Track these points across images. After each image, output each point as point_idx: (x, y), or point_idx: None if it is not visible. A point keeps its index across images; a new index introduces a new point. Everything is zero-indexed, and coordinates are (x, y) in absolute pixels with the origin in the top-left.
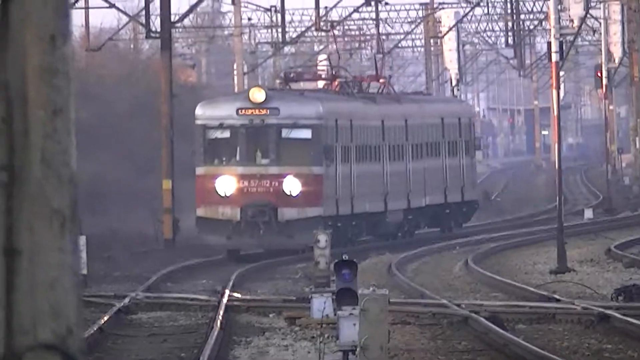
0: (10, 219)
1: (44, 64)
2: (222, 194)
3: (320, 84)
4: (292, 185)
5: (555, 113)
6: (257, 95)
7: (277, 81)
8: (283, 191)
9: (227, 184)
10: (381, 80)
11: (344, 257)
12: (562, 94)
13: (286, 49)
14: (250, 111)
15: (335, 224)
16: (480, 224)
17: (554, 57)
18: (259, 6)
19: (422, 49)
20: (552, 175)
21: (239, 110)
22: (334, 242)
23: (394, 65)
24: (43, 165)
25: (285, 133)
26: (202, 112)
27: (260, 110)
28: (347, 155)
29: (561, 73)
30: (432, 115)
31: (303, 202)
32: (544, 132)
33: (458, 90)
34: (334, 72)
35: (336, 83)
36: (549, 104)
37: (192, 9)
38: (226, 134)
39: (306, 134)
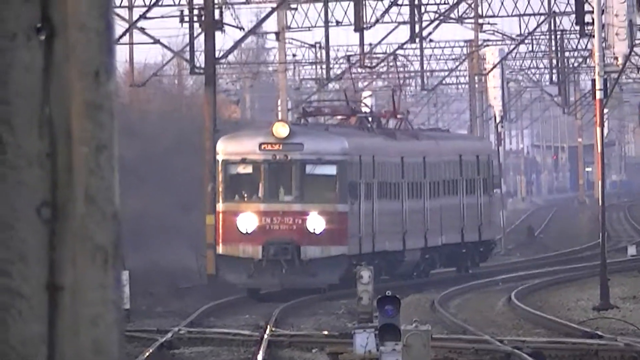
0: (53, 255)
1: (88, 100)
2: (244, 231)
3: (335, 118)
4: (316, 223)
5: (599, 150)
6: (281, 130)
7: (296, 115)
8: (307, 229)
9: (248, 220)
10: (399, 116)
11: (387, 293)
12: (605, 131)
13: (330, 85)
14: (273, 146)
15: (358, 262)
16: (524, 259)
17: (598, 94)
18: (304, 42)
19: (467, 86)
20: (596, 212)
21: (262, 145)
22: (354, 282)
23: (438, 102)
24: (87, 202)
25: (309, 169)
26: (224, 147)
27: (284, 145)
28: (369, 192)
29: (605, 110)
30: (449, 152)
31: (327, 241)
32: (588, 169)
33: (502, 127)
34: (352, 107)
35: (355, 118)
36: (592, 141)
37: (236, 45)
38: (248, 170)
39: (331, 170)
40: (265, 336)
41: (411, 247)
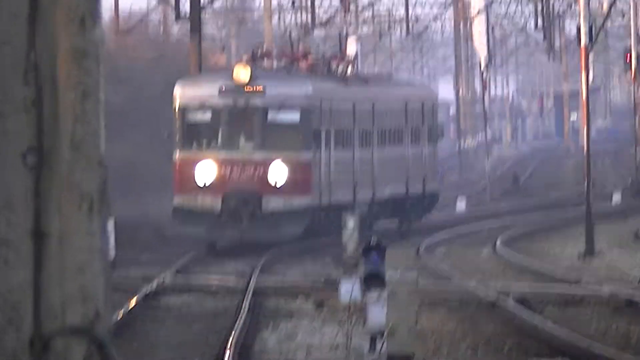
0: (39, 202)
1: (74, 47)
2: (202, 182)
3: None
4: (278, 173)
5: (584, 96)
6: (242, 73)
7: (244, 58)
8: (268, 179)
9: (206, 170)
10: (347, 60)
11: (372, 241)
12: (591, 77)
13: (316, 32)
14: (233, 91)
15: (318, 215)
16: (509, 207)
17: (583, 40)
18: None
19: (452, 32)
20: (581, 158)
21: (221, 90)
22: (312, 234)
23: (423, 48)
24: (72, 148)
25: (271, 115)
26: (182, 92)
27: (245, 90)
28: (328, 141)
29: (590, 56)
30: (396, 100)
31: (290, 191)
32: (574, 116)
33: (487, 73)
34: (303, 50)
35: (309, 61)
36: (578, 87)
37: None
38: (207, 116)
39: (294, 116)
40: (251, 285)
41: (361, 199)
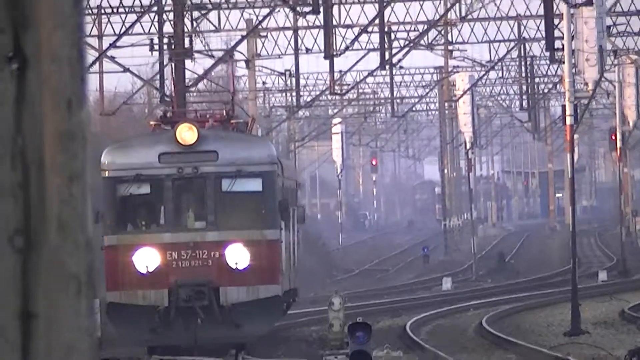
0: (26, 284)
1: (61, 130)
2: (143, 271)
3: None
4: (238, 256)
5: (570, 176)
6: (186, 134)
7: (152, 123)
8: (226, 264)
9: (148, 257)
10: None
11: (358, 319)
12: (576, 157)
13: (300, 112)
14: (177, 156)
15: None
16: (495, 285)
17: (569, 120)
18: (274, 70)
19: (437, 112)
20: (567, 237)
21: (163, 156)
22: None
23: (408, 128)
24: (59, 231)
25: (226, 185)
26: (111, 160)
27: (192, 154)
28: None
29: (575, 136)
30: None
31: (254, 279)
32: (559, 195)
33: (473, 153)
34: (227, 111)
35: (232, 125)
36: (563, 167)
37: (206, 73)
38: (145, 189)
39: (256, 184)
40: None
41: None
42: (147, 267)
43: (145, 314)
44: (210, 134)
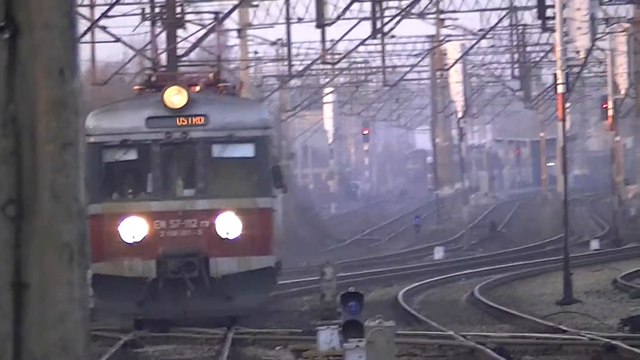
0: (19, 253)
1: (53, 98)
2: (130, 241)
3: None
4: (229, 225)
5: (561, 145)
6: (175, 98)
7: (136, 87)
8: (217, 234)
9: (136, 226)
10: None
11: (350, 289)
12: (568, 126)
13: (292, 81)
14: (166, 121)
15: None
16: (487, 254)
17: (560, 88)
18: (265, 39)
19: (428, 82)
20: (559, 206)
21: (150, 120)
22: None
23: (400, 97)
24: (52, 200)
25: (217, 150)
26: (96, 124)
27: (181, 119)
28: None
29: (567, 105)
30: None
31: (246, 249)
32: (550, 164)
33: (464, 122)
34: (215, 74)
35: (220, 89)
36: (555, 136)
37: (197, 42)
38: (132, 155)
39: (247, 150)
40: (230, 334)
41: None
42: (133, 237)
43: (132, 285)
44: (200, 97)
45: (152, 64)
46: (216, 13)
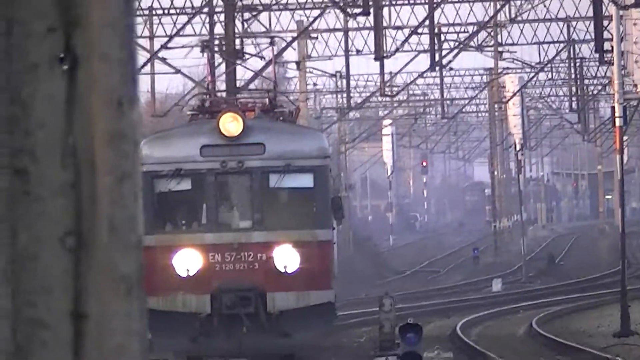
0: (78, 284)
1: (112, 130)
2: (183, 275)
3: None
4: (287, 259)
5: (619, 177)
6: (231, 125)
7: (189, 113)
8: (274, 268)
9: (189, 259)
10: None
11: (409, 320)
12: (625, 159)
13: (351, 113)
14: (221, 149)
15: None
16: (545, 287)
17: (618, 121)
18: (324, 72)
19: (486, 114)
20: (616, 239)
21: (205, 149)
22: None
23: (458, 130)
24: (110, 231)
25: (274, 180)
26: (149, 153)
27: (237, 147)
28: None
29: (625, 137)
30: None
31: (304, 284)
32: (608, 197)
33: (522, 155)
34: (270, 99)
35: (277, 114)
36: (612, 169)
37: (257, 74)
38: (186, 185)
39: (306, 180)
40: None
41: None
42: (187, 270)
43: (185, 321)
44: (256, 124)
45: (206, 89)
46: (272, 37)
